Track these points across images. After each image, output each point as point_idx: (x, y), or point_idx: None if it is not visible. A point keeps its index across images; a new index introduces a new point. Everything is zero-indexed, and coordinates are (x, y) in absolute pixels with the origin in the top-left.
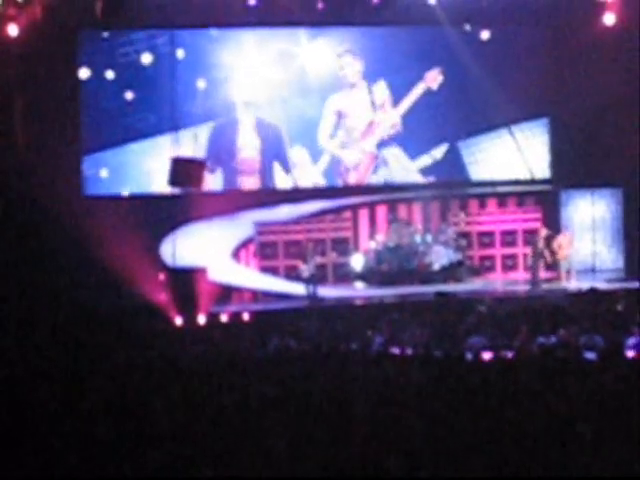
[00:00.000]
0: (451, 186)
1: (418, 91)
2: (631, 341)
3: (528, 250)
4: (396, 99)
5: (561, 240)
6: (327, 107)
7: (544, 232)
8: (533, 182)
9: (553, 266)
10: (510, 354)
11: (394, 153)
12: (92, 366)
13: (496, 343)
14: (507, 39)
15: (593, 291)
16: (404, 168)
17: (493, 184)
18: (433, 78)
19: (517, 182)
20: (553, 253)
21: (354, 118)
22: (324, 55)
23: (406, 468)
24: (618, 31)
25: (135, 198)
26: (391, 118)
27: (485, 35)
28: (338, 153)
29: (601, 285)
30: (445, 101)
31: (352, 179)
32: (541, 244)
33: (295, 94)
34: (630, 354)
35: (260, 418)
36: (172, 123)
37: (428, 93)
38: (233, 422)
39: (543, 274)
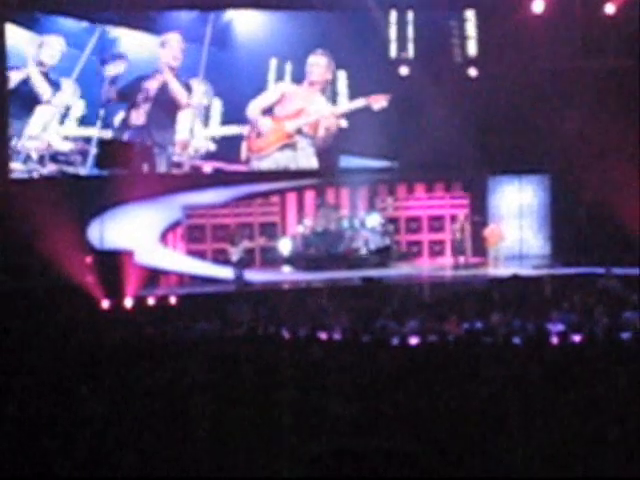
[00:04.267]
0: (379, 171)
1: (357, 104)
2: (556, 327)
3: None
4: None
5: (493, 229)
6: (274, 88)
7: (462, 217)
8: (460, 167)
9: (481, 252)
10: (438, 339)
11: (305, 146)
12: (18, 349)
13: (424, 328)
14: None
15: (516, 277)
16: (308, 161)
17: (421, 168)
18: (377, 100)
19: (444, 166)
20: (482, 240)
21: (291, 103)
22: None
23: (333, 452)
24: (547, 18)
25: (63, 180)
26: (320, 114)
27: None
28: (257, 119)
29: (528, 271)
30: (379, 123)
31: (257, 144)
32: (459, 227)
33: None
34: (555, 340)
35: (187, 402)
36: None
37: (366, 110)
38: (160, 406)
39: (471, 259)
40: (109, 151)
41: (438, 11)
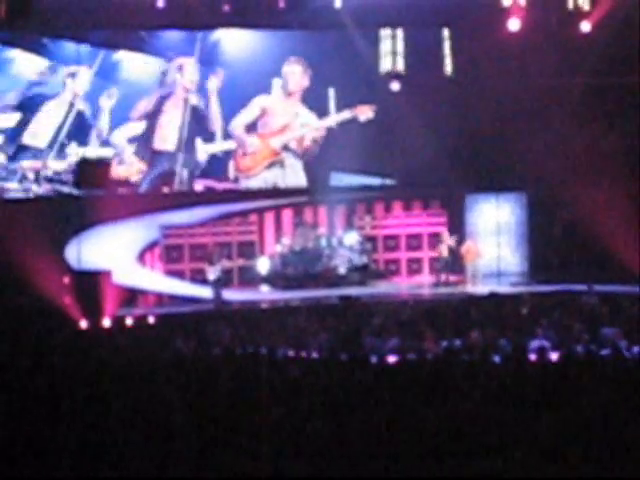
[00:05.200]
0: (357, 189)
1: (344, 116)
2: (534, 344)
3: (433, 253)
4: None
5: (469, 246)
6: (254, 103)
7: (446, 237)
8: (437, 185)
9: (458, 269)
10: (416, 357)
11: (293, 163)
12: None
13: (402, 346)
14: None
15: (494, 295)
16: (296, 179)
17: (400, 186)
18: (363, 111)
19: (422, 184)
20: (460, 258)
21: (274, 118)
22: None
23: (312, 470)
24: (523, 36)
25: (41, 199)
26: (307, 129)
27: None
28: (243, 137)
29: (506, 289)
30: (361, 140)
31: (244, 163)
32: (445, 249)
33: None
34: (533, 357)
35: (165, 422)
36: None
37: (353, 122)
38: (138, 426)
39: (450, 277)
40: (86, 171)
41: (425, 28)
